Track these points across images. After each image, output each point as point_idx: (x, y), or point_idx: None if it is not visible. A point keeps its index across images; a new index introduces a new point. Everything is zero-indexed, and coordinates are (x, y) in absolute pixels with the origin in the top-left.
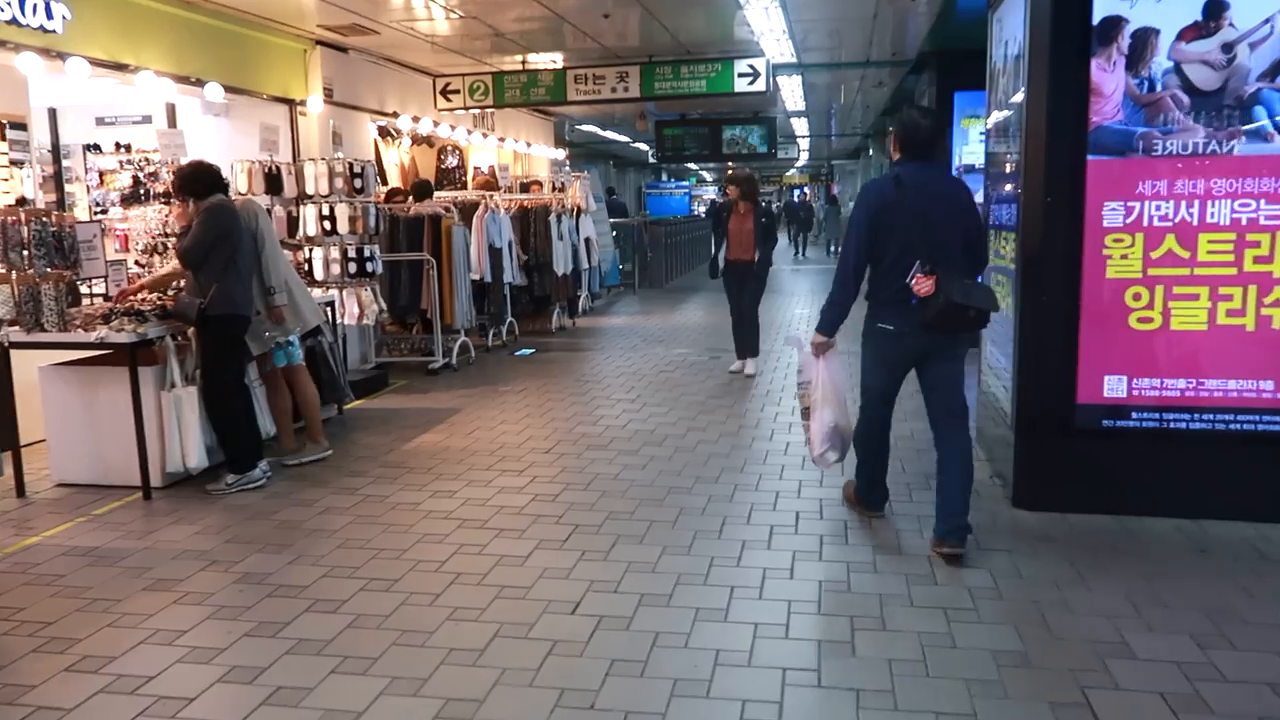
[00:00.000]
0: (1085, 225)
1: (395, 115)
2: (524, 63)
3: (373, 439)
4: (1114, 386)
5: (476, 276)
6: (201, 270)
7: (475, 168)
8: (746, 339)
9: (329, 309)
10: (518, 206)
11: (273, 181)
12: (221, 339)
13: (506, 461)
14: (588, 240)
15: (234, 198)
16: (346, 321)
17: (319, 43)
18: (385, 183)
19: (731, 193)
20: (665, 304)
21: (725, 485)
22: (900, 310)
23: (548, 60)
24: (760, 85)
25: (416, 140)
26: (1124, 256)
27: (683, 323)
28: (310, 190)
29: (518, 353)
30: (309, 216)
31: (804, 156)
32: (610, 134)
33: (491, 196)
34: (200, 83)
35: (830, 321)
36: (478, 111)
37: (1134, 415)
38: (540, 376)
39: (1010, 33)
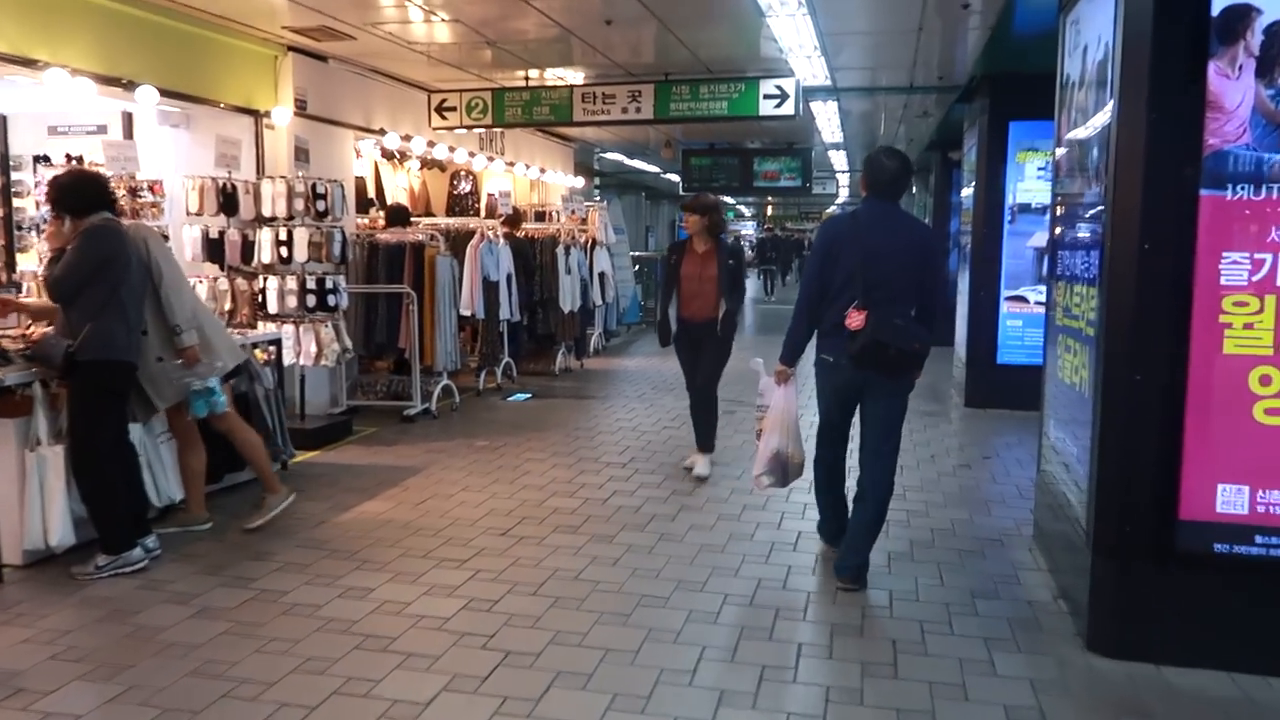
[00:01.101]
0: (1196, 283)
1: (382, 132)
2: (527, 79)
3: (305, 506)
4: (1231, 499)
5: (468, 312)
6: (74, 305)
7: (489, 195)
8: (701, 423)
9: (275, 349)
10: (524, 237)
11: (228, 201)
12: (94, 391)
13: (450, 546)
14: (601, 275)
15: (126, 221)
16: (302, 362)
17: (291, 49)
18: (383, 206)
19: (689, 225)
20: None
21: (711, 596)
22: (837, 342)
23: (554, 77)
24: (789, 109)
25: (426, 164)
26: (1248, 326)
27: None
28: (267, 212)
29: (511, 398)
30: (264, 241)
31: (844, 193)
32: (638, 163)
33: (496, 227)
34: (132, 86)
35: (787, 350)
36: (483, 133)
37: (1259, 539)
38: (527, 429)
39: (1092, 35)
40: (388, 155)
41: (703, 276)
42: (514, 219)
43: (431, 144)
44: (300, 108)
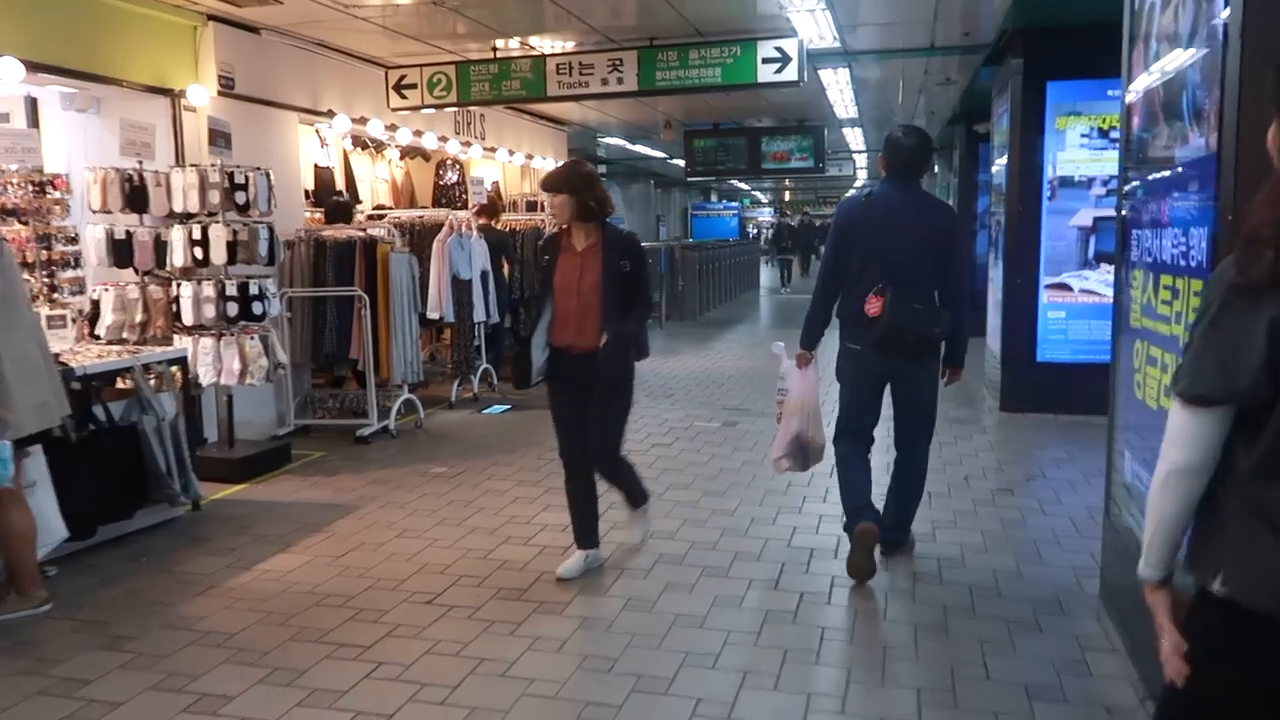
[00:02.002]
0: None
1: (330, 114)
2: (495, 51)
3: (199, 562)
4: None
5: (436, 315)
6: None
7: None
8: (582, 507)
9: (178, 367)
10: (502, 229)
11: (135, 195)
12: None
13: (355, 624)
14: None
15: None
16: (224, 381)
17: (212, 18)
18: (358, 200)
19: (557, 210)
20: (692, 342)
21: (680, 702)
22: (859, 329)
23: (524, 47)
24: (791, 73)
25: (407, 153)
26: None
27: (705, 369)
28: (179, 206)
29: (487, 410)
30: (176, 241)
31: (861, 175)
32: (641, 148)
33: (468, 218)
34: None
35: (806, 334)
36: (458, 115)
37: None
38: (495, 449)
39: None
40: (360, 143)
41: (581, 286)
42: (490, 208)
43: (393, 128)
44: (226, 86)
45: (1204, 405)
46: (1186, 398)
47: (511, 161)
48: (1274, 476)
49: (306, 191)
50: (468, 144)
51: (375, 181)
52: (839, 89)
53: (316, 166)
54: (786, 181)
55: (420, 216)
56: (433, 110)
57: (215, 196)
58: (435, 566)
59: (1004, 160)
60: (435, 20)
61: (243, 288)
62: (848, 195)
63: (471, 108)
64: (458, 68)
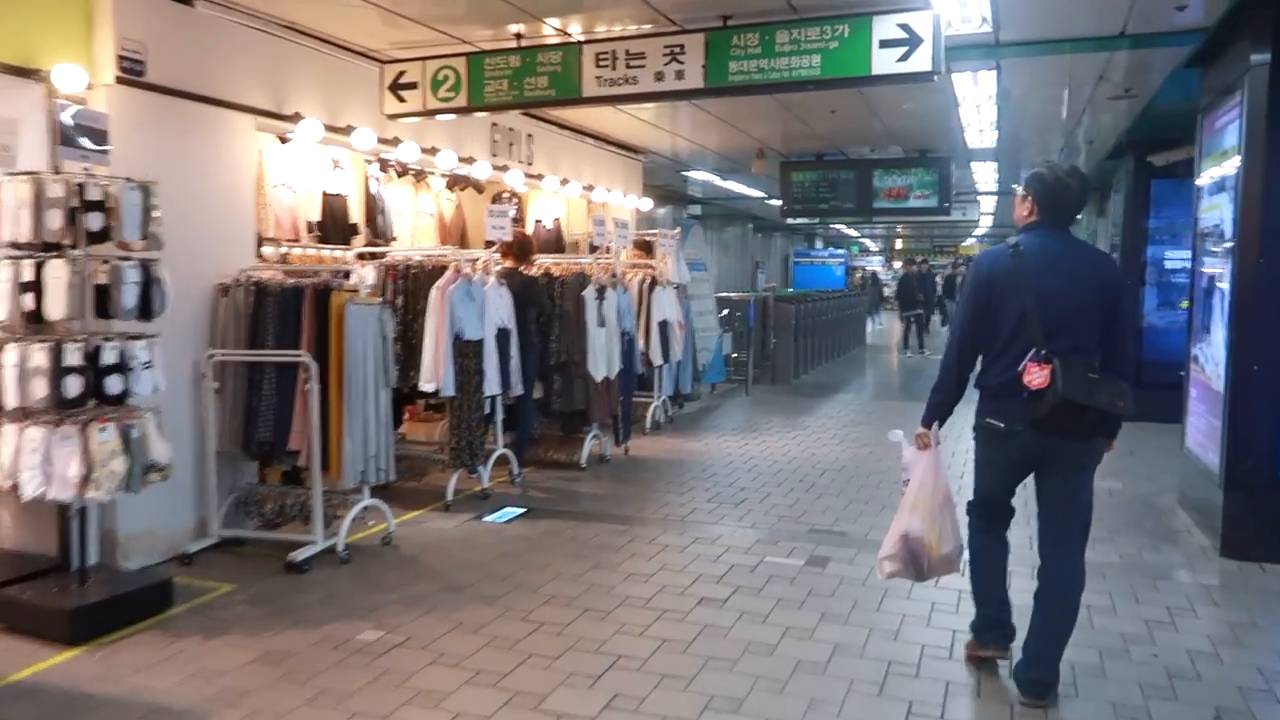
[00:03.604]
0: None
1: (295, 118)
2: (518, 39)
3: None
4: None
5: (431, 387)
6: None
7: (537, 221)
8: None
9: None
10: (536, 275)
11: None
12: None
13: None
14: (664, 325)
15: None
16: (55, 494)
17: None
18: (356, 231)
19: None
20: (783, 414)
21: None
22: (1010, 404)
23: (555, 31)
24: (922, 61)
25: (456, 184)
26: None
27: (795, 456)
28: (7, 233)
29: (489, 517)
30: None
31: (986, 220)
32: (733, 185)
33: (486, 259)
34: None
35: (930, 411)
36: (494, 129)
37: None
38: (470, 590)
39: None
40: (401, 170)
41: None
42: (520, 247)
43: (390, 142)
44: (130, 71)
45: None
46: None
47: (555, 188)
48: None
49: (310, 224)
50: (502, 168)
51: (417, 216)
52: (976, 104)
53: (326, 194)
54: (899, 228)
55: (413, 256)
56: (451, 116)
57: (55, 219)
58: None
59: (1222, 194)
60: None
61: (91, 355)
62: (977, 247)
63: (509, 121)
64: (469, 61)
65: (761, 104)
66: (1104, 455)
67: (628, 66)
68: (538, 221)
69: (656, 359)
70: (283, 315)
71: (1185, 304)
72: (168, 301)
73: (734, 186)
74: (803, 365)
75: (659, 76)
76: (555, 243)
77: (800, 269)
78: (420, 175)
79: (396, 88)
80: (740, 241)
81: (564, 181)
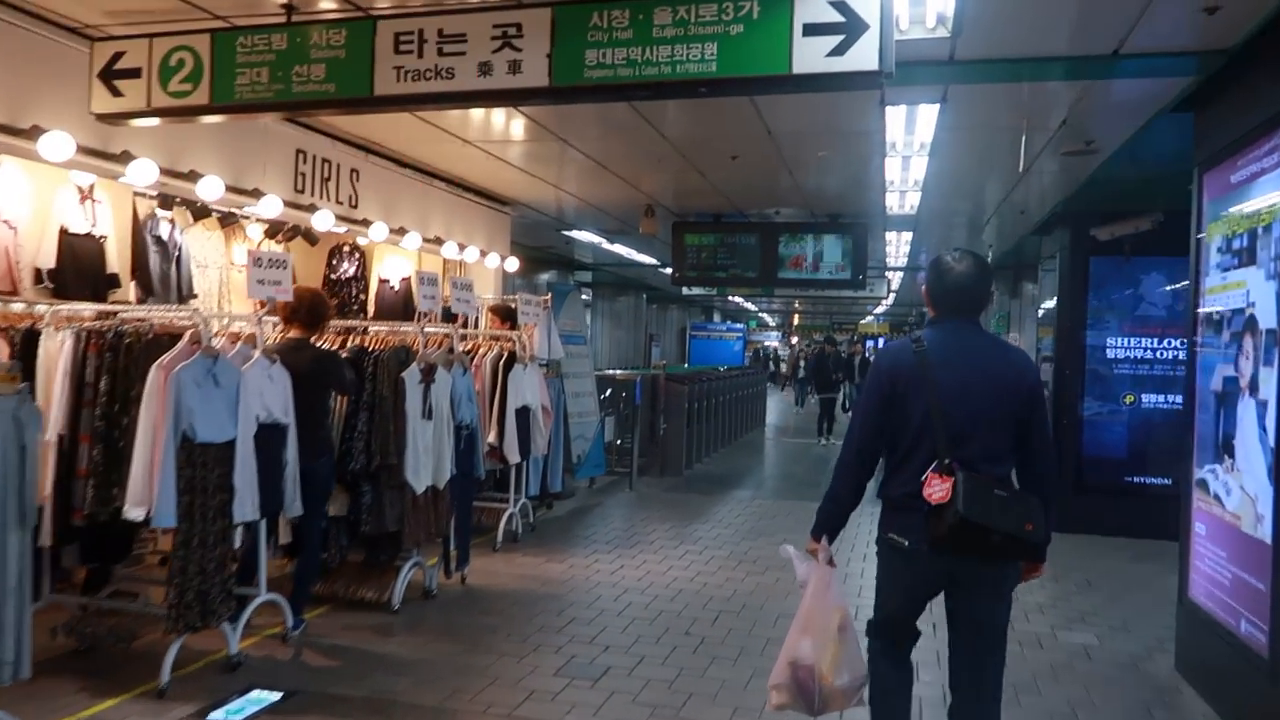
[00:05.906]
0: None
1: None
2: (287, 9)
3: None
4: None
5: (140, 514)
6: None
7: (382, 281)
8: None
9: None
10: (340, 347)
11: None
12: None
13: None
14: (524, 413)
15: None
16: None
17: None
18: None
19: None
20: (671, 519)
21: None
22: (914, 519)
23: (344, 4)
24: (865, 59)
25: (276, 233)
26: None
27: (675, 582)
28: None
29: (218, 713)
30: None
31: (889, 297)
32: (620, 248)
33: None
34: None
35: (822, 520)
36: (300, 157)
37: None
38: None
39: None
40: (200, 212)
41: None
42: (309, 310)
43: (111, 156)
44: None
45: None
46: None
47: (412, 246)
48: None
49: (40, 271)
50: (309, 207)
51: (227, 269)
52: (906, 155)
53: (66, 233)
54: (796, 303)
55: (138, 316)
56: (216, 118)
57: None
58: None
59: (1250, 271)
60: None
61: None
62: (892, 340)
63: (321, 149)
64: (214, 39)
65: (648, 141)
66: (1028, 581)
67: (440, 53)
68: (383, 281)
69: (513, 456)
70: None
71: (1129, 399)
72: None
73: (622, 250)
74: (696, 452)
75: (484, 69)
76: (403, 307)
77: (697, 343)
78: (229, 219)
79: (111, 75)
80: (633, 313)
81: (398, 230)
